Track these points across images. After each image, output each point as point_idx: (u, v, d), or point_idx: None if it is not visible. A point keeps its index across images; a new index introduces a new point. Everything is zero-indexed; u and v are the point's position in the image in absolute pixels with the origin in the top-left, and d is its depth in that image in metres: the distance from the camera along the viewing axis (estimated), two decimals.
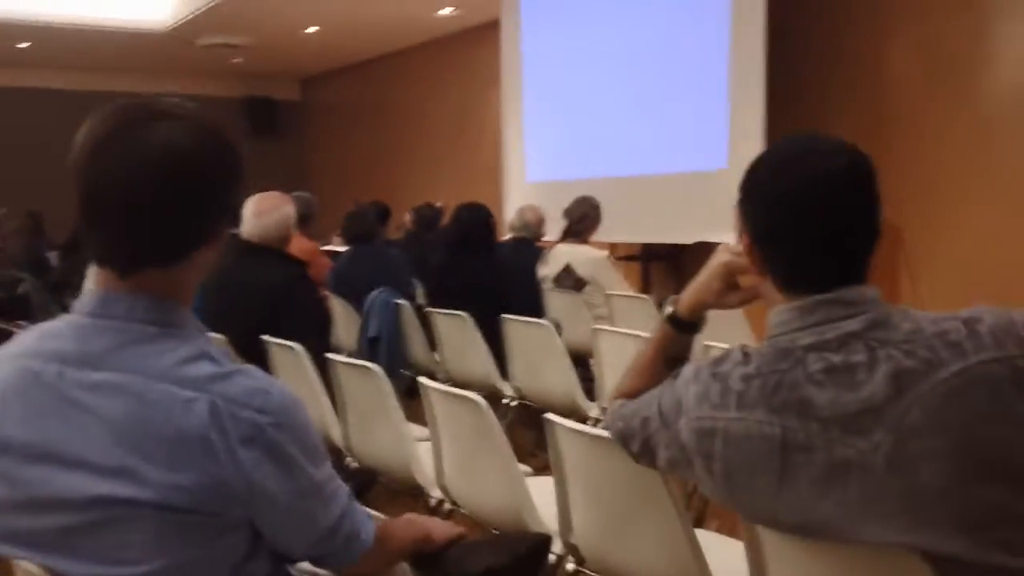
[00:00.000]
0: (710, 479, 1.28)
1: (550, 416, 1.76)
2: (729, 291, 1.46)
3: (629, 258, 7.58)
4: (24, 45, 10.33)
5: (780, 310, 1.24)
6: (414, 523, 1.46)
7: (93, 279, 1.15)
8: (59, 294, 4.76)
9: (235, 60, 11.64)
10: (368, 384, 2.34)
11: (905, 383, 1.13)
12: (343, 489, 1.24)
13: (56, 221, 7.05)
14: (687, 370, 1.34)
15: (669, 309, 1.51)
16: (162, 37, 10.17)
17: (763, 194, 1.25)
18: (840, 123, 6.42)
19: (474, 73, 10.30)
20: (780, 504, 1.20)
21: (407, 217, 7.48)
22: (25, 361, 1.13)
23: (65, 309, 1.21)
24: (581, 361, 3.64)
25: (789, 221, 1.22)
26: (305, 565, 1.31)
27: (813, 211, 1.20)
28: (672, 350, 1.50)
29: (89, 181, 1.09)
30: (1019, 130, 5.76)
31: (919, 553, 1.11)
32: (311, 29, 10.19)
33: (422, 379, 2.12)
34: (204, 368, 1.09)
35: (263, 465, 1.09)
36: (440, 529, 1.47)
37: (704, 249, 6.95)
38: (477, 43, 10.12)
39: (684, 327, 1.50)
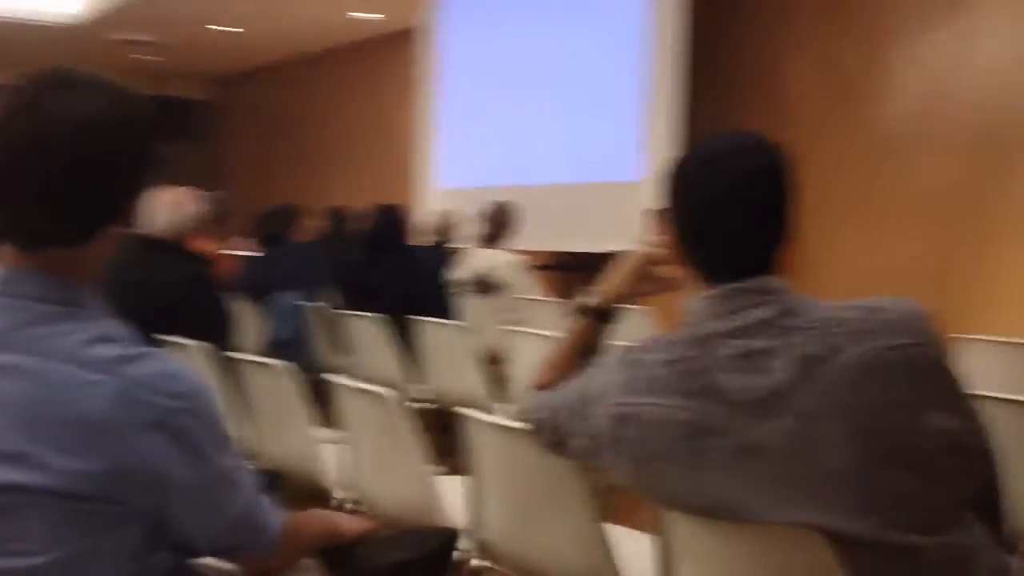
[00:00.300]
0: (621, 465, 1.29)
1: (462, 410, 1.75)
2: (645, 281, 1.49)
3: (542, 267, 7.64)
4: None
5: (697, 298, 1.27)
6: (323, 517, 1.44)
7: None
8: None
9: (148, 58, 11.34)
10: (274, 383, 2.30)
11: (809, 369, 1.16)
12: (251, 479, 1.20)
13: None
14: (604, 360, 1.36)
15: (587, 300, 1.52)
16: (73, 33, 9.83)
17: (685, 190, 1.29)
18: None
19: (390, 78, 10.28)
20: (691, 487, 1.23)
21: (320, 221, 7.37)
22: None
23: None
24: (492, 364, 3.65)
25: (709, 216, 1.26)
26: (209, 561, 1.26)
27: (727, 207, 1.24)
28: (588, 342, 1.52)
29: None
30: (908, 149, 6.06)
31: (823, 532, 1.14)
32: (225, 28, 10.00)
33: (330, 376, 2.09)
34: (110, 350, 1.05)
35: (170, 451, 1.05)
36: (349, 524, 1.45)
37: (615, 259, 7.07)
38: (394, 48, 10.10)
39: (601, 316, 1.52)
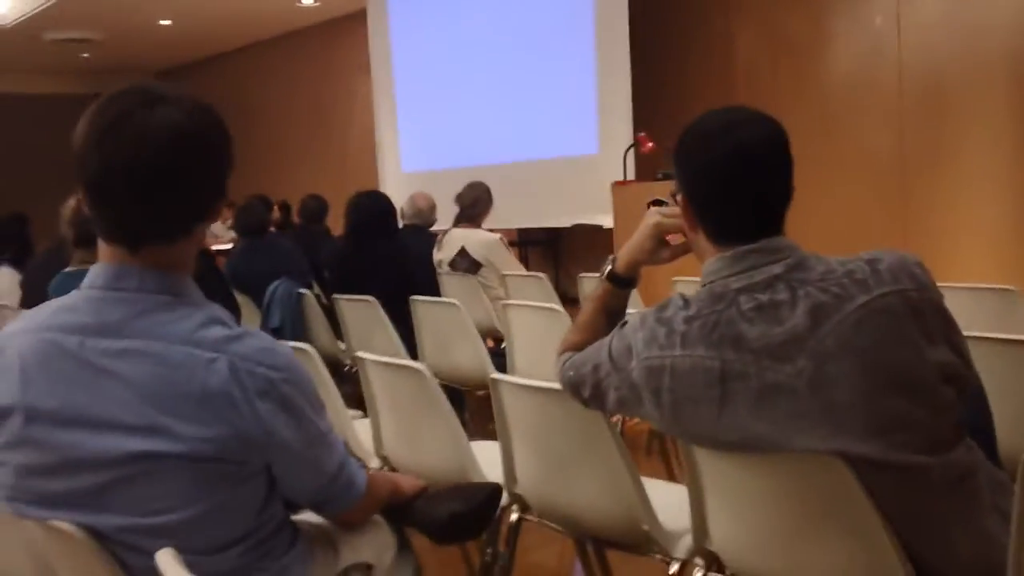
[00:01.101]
0: (658, 411, 1.45)
1: (495, 375, 1.91)
2: (660, 249, 1.65)
3: (508, 244, 7.77)
4: None
5: (713, 260, 1.43)
6: (386, 477, 1.60)
7: (101, 255, 1.22)
8: None
9: (84, 55, 11.15)
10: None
11: (821, 316, 1.32)
12: (341, 441, 1.35)
13: None
14: (633, 319, 1.51)
15: (608, 268, 1.68)
16: (5, 33, 9.65)
17: (694, 161, 1.44)
18: (696, 108, 6.80)
19: (340, 64, 10.25)
20: (721, 426, 1.38)
21: (275, 214, 7.43)
22: (43, 334, 1.19)
23: None
24: (488, 339, 3.80)
25: (718, 185, 1.41)
26: (303, 514, 1.41)
27: (739, 175, 1.40)
28: (612, 305, 1.68)
29: (95, 166, 1.16)
30: (854, 109, 6.30)
31: (839, 456, 1.31)
32: (164, 22, 9.89)
33: (360, 353, 2.23)
34: (218, 331, 1.19)
35: (278, 415, 1.20)
36: (407, 483, 1.61)
37: (579, 232, 7.25)
38: (341, 34, 10.07)
39: (622, 283, 1.68)
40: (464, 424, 3.49)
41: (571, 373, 1.62)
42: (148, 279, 1.20)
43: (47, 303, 1.25)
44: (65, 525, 1.16)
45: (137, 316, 1.18)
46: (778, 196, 1.42)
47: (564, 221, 7.27)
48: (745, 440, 1.38)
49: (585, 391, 1.59)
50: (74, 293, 1.23)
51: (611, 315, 1.66)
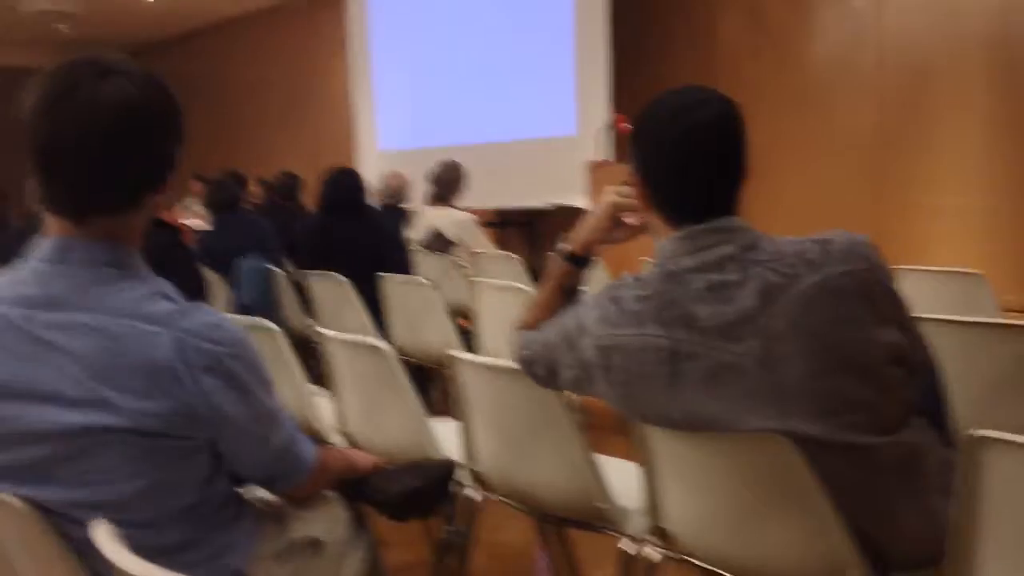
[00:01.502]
0: (610, 389, 1.46)
1: (453, 352, 1.91)
2: (616, 228, 1.65)
3: (485, 224, 7.75)
4: None
5: (667, 240, 1.43)
6: (341, 453, 1.60)
7: (48, 227, 1.21)
8: None
9: (61, 27, 10.99)
10: (262, 341, 2.41)
11: (771, 296, 1.33)
12: (289, 417, 1.35)
13: None
14: (587, 298, 1.52)
15: (565, 247, 1.68)
16: None
17: (651, 141, 1.44)
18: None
19: (318, 41, 10.17)
20: (672, 404, 1.39)
21: (253, 188, 7.40)
22: None
23: None
24: (458, 317, 3.80)
25: (672, 165, 1.42)
26: (251, 490, 1.41)
27: (691, 156, 1.40)
28: (568, 284, 1.68)
29: (43, 135, 1.15)
30: (835, 92, 6.32)
31: (787, 436, 1.31)
32: None
33: (322, 330, 2.22)
34: (163, 305, 1.19)
35: (223, 391, 1.19)
36: (362, 459, 1.61)
37: (557, 213, 7.24)
38: (319, 10, 9.98)
39: (578, 262, 1.68)
40: (431, 402, 3.50)
41: (526, 352, 1.62)
42: (94, 251, 1.19)
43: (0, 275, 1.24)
44: (9, 497, 1.15)
45: (82, 289, 1.17)
46: (731, 177, 1.42)
47: (542, 202, 7.26)
48: (695, 419, 1.39)
49: (539, 369, 1.60)
50: (24, 266, 1.21)
51: (567, 294, 1.66)
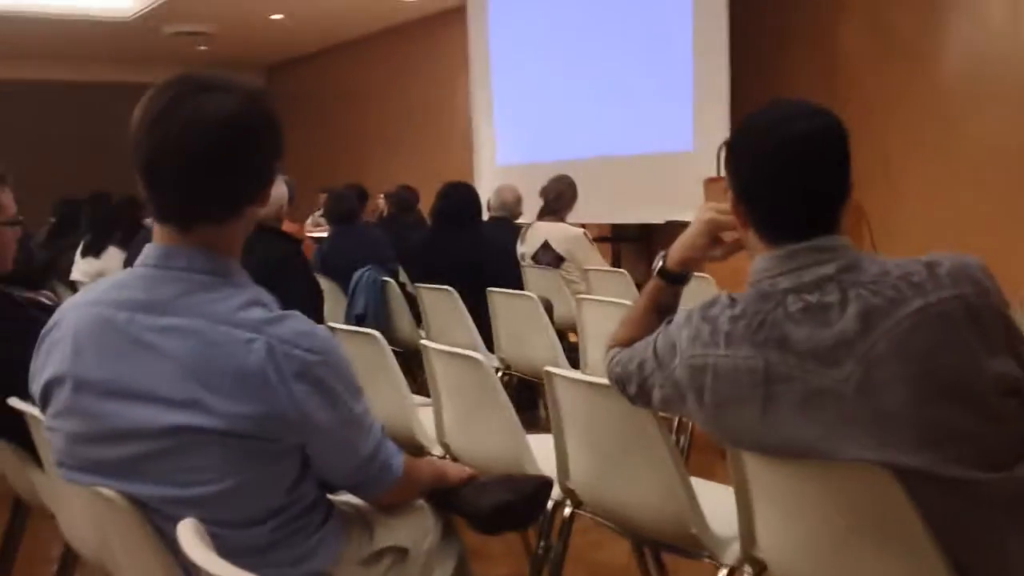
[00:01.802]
0: (701, 411, 1.42)
1: (550, 368, 1.91)
2: (713, 245, 1.62)
3: (600, 239, 7.73)
4: None
5: (762, 258, 1.39)
6: (432, 463, 1.62)
7: (155, 235, 1.28)
8: (46, 277, 4.84)
9: (201, 48, 11.61)
10: (368, 350, 2.47)
11: (873, 319, 1.27)
12: (378, 424, 1.38)
13: (27, 210, 6.98)
14: (679, 316, 1.49)
15: (660, 263, 1.66)
16: (128, 25, 10.13)
17: (747, 155, 1.40)
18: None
19: (441, 58, 10.38)
20: (765, 429, 1.35)
21: (380, 202, 7.59)
22: (97, 309, 1.26)
23: (53, 291, 1.34)
24: (562, 335, 3.80)
25: (769, 179, 1.37)
26: (342, 495, 1.45)
27: (790, 170, 1.36)
28: (663, 302, 1.65)
29: (149, 150, 1.22)
30: (966, 108, 6.02)
31: (887, 468, 1.25)
32: (276, 16, 10.21)
33: (424, 341, 2.26)
34: (258, 313, 1.23)
35: (312, 396, 1.23)
36: (454, 470, 1.62)
37: (672, 229, 7.15)
38: (443, 28, 10.19)
39: (673, 279, 1.65)
40: (538, 418, 3.50)
41: (618, 369, 1.60)
42: (196, 259, 1.25)
43: (104, 279, 1.32)
44: (108, 491, 1.22)
45: (183, 295, 1.23)
46: (831, 193, 1.38)
47: (657, 217, 7.18)
48: (789, 444, 1.34)
49: (631, 388, 1.57)
50: (128, 270, 1.29)
51: (661, 312, 1.63)
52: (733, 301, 1.41)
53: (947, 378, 1.25)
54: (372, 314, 4.02)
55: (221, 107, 1.22)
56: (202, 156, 1.21)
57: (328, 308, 4.34)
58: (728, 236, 1.60)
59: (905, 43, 6.35)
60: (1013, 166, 5.83)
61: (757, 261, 1.41)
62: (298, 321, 1.25)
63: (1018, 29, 5.76)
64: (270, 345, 1.20)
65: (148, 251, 1.27)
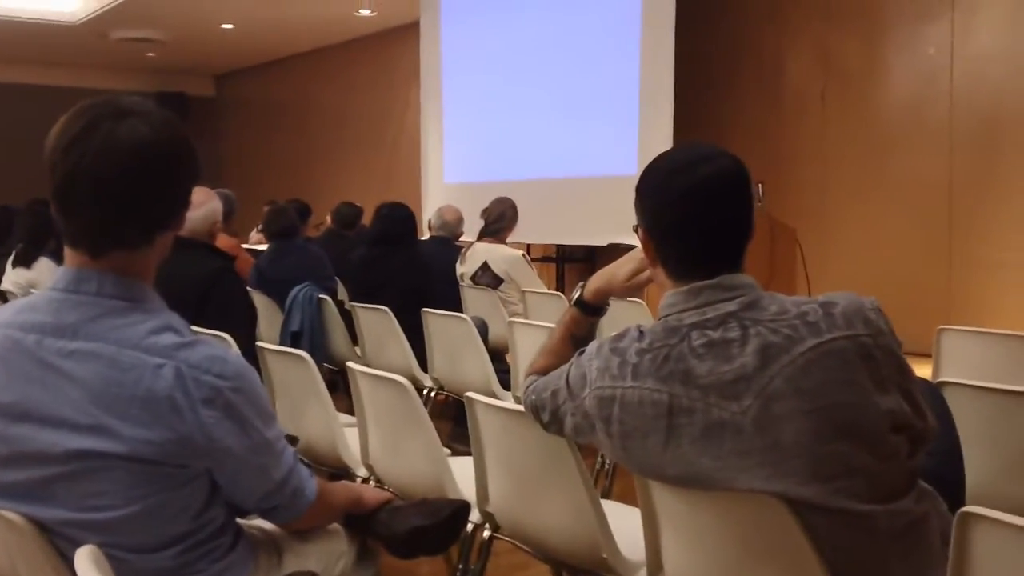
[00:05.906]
0: (609, 441, 1.47)
1: (470, 394, 1.94)
2: (629, 281, 1.67)
3: (545, 259, 7.80)
4: None
5: (670, 293, 1.44)
6: (348, 487, 1.64)
7: (66, 258, 1.28)
8: None
9: (149, 54, 11.49)
10: (296, 371, 2.48)
11: (770, 356, 1.32)
12: (290, 449, 1.40)
13: None
14: (591, 347, 1.53)
15: (578, 293, 1.70)
16: (75, 30, 9.99)
17: (654, 197, 1.46)
18: (741, 131, 6.79)
19: (393, 74, 10.39)
20: (667, 460, 1.39)
21: (327, 217, 7.56)
22: (6, 331, 1.26)
23: None
24: (498, 355, 3.83)
25: (676, 220, 1.43)
26: (253, 519, 1.46)
27: (695, 212, 1.41)
28: (578, 332, 1.70)
29: (62, 174, 1.23)
30: (905, 141, 6.22)
31: (780, 498, 1.30)
32: (227, 26, 10.14)
33: (350, 364, 2.28)
34: (169, 338, 1.24)
35: (222, 423, 1.24)
36: (371, 494, 1.64)
37: (616, 251, 7.25)
38: (396, 44, 10.21)
39: (589, 310, 1.70)
40: (458, 438, 3.52)
41: (533, 397, 1.64)
42: (107, 284, 1.26)
43: (14, 300, 1.32)
44: (12, 515, 1.22)
45: (92, 319, 1.24)
46: (736, 233, 1.43)
47: (600, 240, 7.27)
48: (689, 475, 1.39)
49: (545, 415, 1.61)
50: (39, 293, 1.29)
51: (577, 341, 1.68)
52: (642, 334, 1.45)
53: (841, 415, 1.30)
54: (308, 331, 4.01)
55: (135, 134, 1.23)
56: (115, 183, 1.22)
57: (264, 325, 4.32)
58: (642, 274, 1.65)
59: (848, 77, 6.54)
60: (941, 200, 6.02)
61: (666, 297, 1.46)
62: (209, 347, 1.27)
63: (952, 71, 5.97)
64: (179, 370, 1.22)
65: (59, 274, 1.28)
